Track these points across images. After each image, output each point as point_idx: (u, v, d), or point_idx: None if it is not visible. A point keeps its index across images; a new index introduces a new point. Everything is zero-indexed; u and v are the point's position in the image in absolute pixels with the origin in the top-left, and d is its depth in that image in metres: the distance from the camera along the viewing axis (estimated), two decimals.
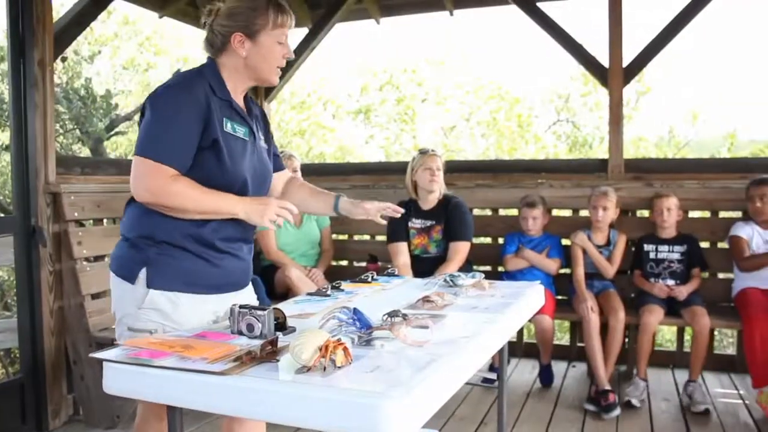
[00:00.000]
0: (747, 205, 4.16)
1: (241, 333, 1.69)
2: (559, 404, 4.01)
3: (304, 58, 5.54)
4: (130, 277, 1.98)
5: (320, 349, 1.37)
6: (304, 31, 5.56)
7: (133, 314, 1.98)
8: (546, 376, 4.34)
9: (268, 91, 5.54)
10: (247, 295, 2.20)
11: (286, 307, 2.00)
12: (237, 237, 2.07)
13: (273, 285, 4.26)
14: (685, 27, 4.62)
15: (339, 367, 1.38)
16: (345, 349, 1.41)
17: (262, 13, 2.00)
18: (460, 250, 4.08)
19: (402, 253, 4.16)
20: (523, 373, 4.63)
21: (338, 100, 13.47)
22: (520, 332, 4.99)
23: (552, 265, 4.33)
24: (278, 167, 2.36)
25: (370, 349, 1.54)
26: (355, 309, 1.65)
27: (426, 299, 2.03)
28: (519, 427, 3.65)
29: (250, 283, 2.24)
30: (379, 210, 2.38)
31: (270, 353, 1.49)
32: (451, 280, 2.38)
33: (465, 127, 12.62)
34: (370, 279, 2.54)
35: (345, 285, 2.41)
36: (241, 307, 1.71)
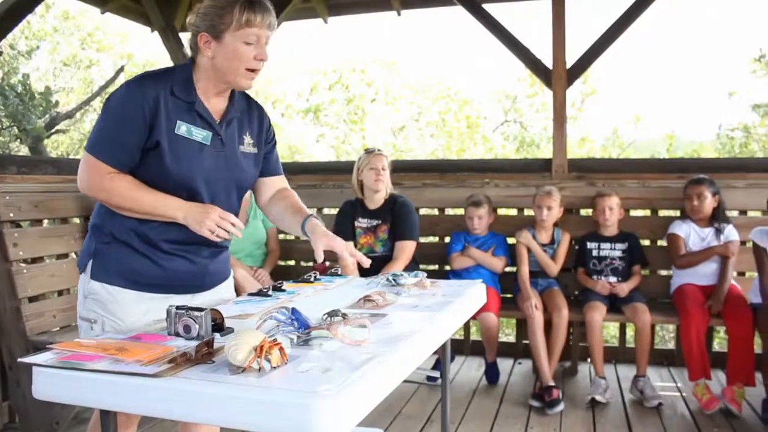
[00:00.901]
0: (684, 203, 4.26)
1: (177, 334, 1.67)
2: (505, 401, 4.05)
3: None
4: (82, 266, 2.04)
5: (255, 350, 1.36)
6: None
7: (81, 302, 2.03)
8: (492, 373, 4.39)
9: None
10: (210, 298, 2.17)
11: (226, 307, 1.98)
12: (189, 240, 2.01)
13: None
14: (627, 30, 4.72)
15: (275, 368, 1.37)
16: (281, 349, 1.39)
17: (228, 12, 1.92)
18: (406, 249, 4.08)
19: None
20: (470, 370, 4.66)
21: (287, 99, 13.39)
22: (467, 330, 5.03)
23: (497, 263, 4.37)
24: (271, 172, 2.29)
25: (309, 349, 1.53)
26: (293, 309, 1.64)
27: (367, 298, 2.03)
28: (465, 425, 3.67)
29: (223, 287, 2.24)
30: (348, 253, 2.09)
31: (206, 354, 1.47)
32: (394, 280, 2.38)
33: (414, 128, 12.68)
34: (312, 279, 2.53)
35: (287, 285, 2.39)
36: (177, 308, 1.68)
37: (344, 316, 1.65)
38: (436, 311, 1.92)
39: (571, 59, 4.73)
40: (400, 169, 4.92)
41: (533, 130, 12.75)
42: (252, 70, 1.99)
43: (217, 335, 1.63)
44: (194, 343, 1.53)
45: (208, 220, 1.90)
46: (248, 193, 4.62)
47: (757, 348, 3.89)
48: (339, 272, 2.72)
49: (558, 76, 4.73)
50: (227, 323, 1.75)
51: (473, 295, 2.28)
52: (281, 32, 5.54)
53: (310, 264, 5.00)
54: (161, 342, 1.62)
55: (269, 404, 1.24)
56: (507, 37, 4.88)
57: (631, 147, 12.99)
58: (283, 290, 2.30)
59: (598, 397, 3.93)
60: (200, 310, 1.65)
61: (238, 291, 3.98)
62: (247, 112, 2.16)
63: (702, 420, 3.72)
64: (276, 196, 2.30)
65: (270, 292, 2.23)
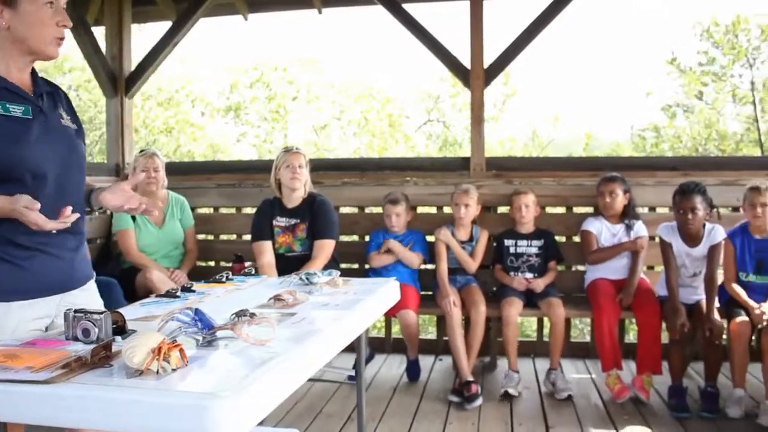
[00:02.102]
0: (598, 200, 4.38)
1: (76, 339, 1.60)
2: (425, 397, 4.08)
3: (167, 53, 5.34)
4: None
5: (153, 352, 1.32)
6: (167, 25, 5.37)
7: None
8: (413, 370, 4.42)
9: (129, 86, 5.32)
10: (86, 297, 2.00)
11: (132, 310, 1.92)
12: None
13: (134, 288, 4.08)
14: (543, 31, 4.82)
15: (174, 370, 1.34)
16: (181, 351, 1.36)
17: None
18: (325, 248, 4.06)
19: (266, 253, 4.10)
20: (391, 368, 4.68)
21: (208, 97, 13.13)
22: (389, 328, 5.05)
23: (415, 258, 4.40)
24: None
25: (213, 350, 1.50)
26: (197, 310, 1.60)
27: (277, 298, 2.00)
28: (385, 422, 3.68)
29: (92, 284, 2.07)
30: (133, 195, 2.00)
31: (103, 358, 1.42)
32: (307, 278, 2.36)
33: (337, 126, 12.65)
34: (224, 279, 2.49)
35: (198, 286, 2.34)
36: (75, 311, 1.62)
37: (252, 315, 1.62)
38: (345, 309, 1.91)
39: (489, 59, 4.80)
40: (320, 167, 4.90)
41: (456, 130, 12.90)
42: (60, 38, 1.86)
43: (118, 338, 1.58)
44: (92, 347, 1.48)
45: (15, 213, 1.71)
46: (165, 192, 4.55)
47: (664, 338, 4.05)
48: (252, 272, 2.68)
49: (476, 76, 4.80)
50: (130, 326, 1.70)
51: (386, 292, 2.29)
52: (199, 29, 5.44)
53: (229, 265, 4.92)
54: (57, 347, 1.56)
55: (165, 407, 1.20)
56: (426, 37, 4.91)
57: (550, 146, 13.33)
58: (193, 291, 2.24)
59: (510, 391, 4.01)
60: (100, 312, 1.60)
61: (155, 294, 3.90)
62: (52, 90, 1.99)
63: (614, 409, 3.85)
64: None
65: (179, 293, 2.18)
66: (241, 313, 1.65)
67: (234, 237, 5.14)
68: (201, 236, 4.87)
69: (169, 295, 2.17)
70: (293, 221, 4.16)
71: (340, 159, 8.95)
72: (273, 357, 1.40)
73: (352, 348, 2.54)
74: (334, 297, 2.14)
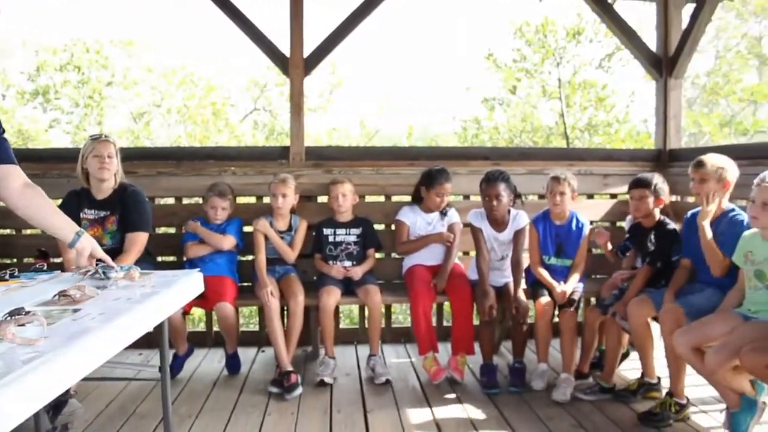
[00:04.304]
0: (417, 190, 4.46)
1: None
2: (245, 390, 4.02)
3: None
4: None
5: None
6: None
7: None
8: (232, 363, 4.34)
9: None
10: None
11: None
12: None
13: None
14: (364, 21, 4.88)
15: None
16: None
17: None
18: (137, 241, 3.87)
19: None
20: (212, 362, 4.57)
21: (10, 78, 12.02)
22: (210, 322, 4.92)
23: (223, 240, 4.29)
24: (6, 160, 2.06)
25: None
26: None
27: (63, 294, 1.87)
28: (202, 417, 3.59)
29: None
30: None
31: None
32: (103, 273, 2.23)
33: (157, 114, 12.08)
34: (7, 276, 2.29)
35: None
36: None
37: (27, 314, 1.49)
38: (136, 303, 1.82)
39: (310, 48, 4.79)
40: (134, 156, 4.68)
41: (283, 119, 12.79)
42: None
43: None
44: None
45: None
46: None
47: (476, 320, 4.25)
48: (44, 268, 2.49)
49: (295, 65, 4.77)
50: None
51: (187, 284, 2.21)
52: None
53: (32, 261, 4.56)
54: None
55: None
56: (245, 23, 4.82)
57: (376, 136, 13.59)
58: None
59: (326, 379, 4.05)
60: None
61: None
62: None
63: (430, 390, 4.01)
64: (32, 191, 2.19)
65: None
66: (15, 312, 1.52)
67: (39, 231, 4.76)
68: (1, 231, 4.47)
69: None
70: (102, 213, 3.93)
71: (154, 148, 8.58)
72: (35, 357, 1.29)
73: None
74: (129, 291, 2.03)
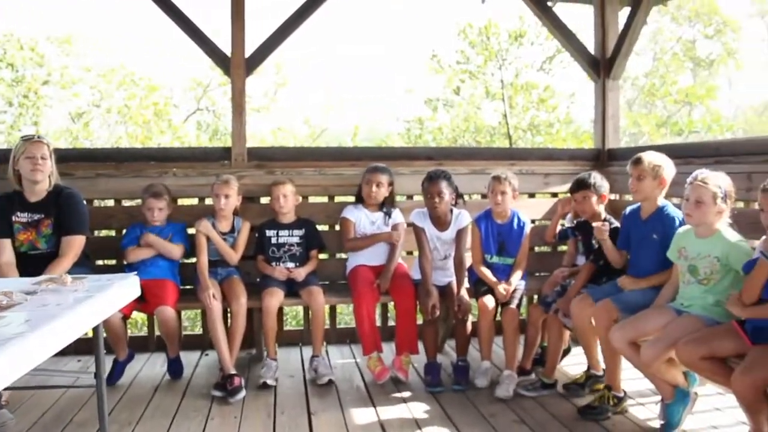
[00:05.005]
0: (362, 189, 4.46)
1: None
2: (188, 395, 3.96)
3: None
4: None
5: None
6: None
7: None
8: (175, 368, 4.27)
9: None
10: None
11: None
12: None
13: None
14: (306, 21, 4.86)
15: None
16: None
17: None
18: (74, 244, 3.78)
19: (5, 251, 3.73)
20: (154, 367, 4.49)
21: None
22: (151, 326, 4.83)
23: (175, 249, 4.24)
24: None
25: None
26: None
27: None
28: (143, 424, 3.52)
29: None
30: None
31: None
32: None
33: (97, 114, 11.76)
34: None
35: None
36: None
37: None
38: (66, 309, 1.78)
39: (251, 48, 4.75)
40: (72, 158, 4.60)
41: (227, 120, 12.63)
42: None
43: None
44: None
45: None
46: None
47: (420, 320, 4.27)
48: None
49: (237, 65, 4.72)
50: None
51: (122, 288, 2.16)
52: None
53: None
54: None
55: None
56: (187, 24, 4.76)
57: (323, 136, 13.54)
58: None
59: (268, 381, 4.03)
60: None
61: None
62: None
63: (375, 390, 4.02)
64: None
65: None
66: None
67: None
68: None
69: None
70: (36, 216, 3.82)
71: (93, 149, 8.35)
72: None
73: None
74: (60, 296, 1.98)
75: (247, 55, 4.73)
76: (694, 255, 3.20)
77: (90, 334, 2.25)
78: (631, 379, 3.71)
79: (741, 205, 3.62)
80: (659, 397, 3.39)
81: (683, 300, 3.26)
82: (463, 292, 4.11)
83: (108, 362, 4.07)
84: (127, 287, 2.22)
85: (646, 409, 3.64)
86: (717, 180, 3.12)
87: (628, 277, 3.61)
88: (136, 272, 2.46)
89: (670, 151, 3.86)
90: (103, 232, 4.86)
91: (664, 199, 3.62)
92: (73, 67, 12.04)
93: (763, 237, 3.00)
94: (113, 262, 4.59)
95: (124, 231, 4.46)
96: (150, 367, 4.50)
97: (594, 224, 3.76)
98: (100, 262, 4.62)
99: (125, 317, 4.05)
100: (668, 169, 3.56)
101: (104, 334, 3.87)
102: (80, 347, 4.52)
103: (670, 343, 3.04)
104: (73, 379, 3.85)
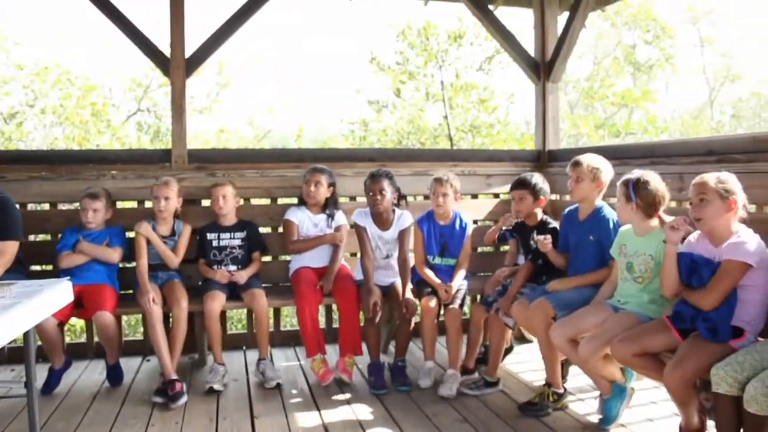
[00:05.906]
0: (303, 190, 4.45)
1: None
2: (128, 402, 3.88)
3: None
4: None
5: None
6: None
7: None
8: (114, 375, 4.18)
9: None
10: None
11: None
12: None
13: None
14: (248, 22, 4.82)
15: None
16: None
17: None
18: (6, 250, 3.65)
19: None
20: (93, 374, 4.39)
21: None
22: (90, 332, 4.71)
23: (112, 254, 4.15)
24: None
25: None
26: None
27: None
28: None
29: None
30: None
31: None
32: None
33: (31, 114, 11.33)
34: None
35: None
36: None
37: None
38: None
39: (192, 49, 4.68)
40: (3, 160, 4.45)
41: (169, 121, 12.37)
42: None
43: None
44: None
45: None
46: None
47: (363, 321, 4.28)
48: None
49: (176, 66, 4.66)
50: None
51: (54, 294, 2.11)
52: None
53: None
54: None
55: None
56: (123, 22, 4.66)
57: (266, 138, 13.41)
58: None
59: (216, 386, 3.98)
60: None
61: None
62: None
63: (319, 392, 4.01)
64: None
65: None
66: None
67: None
68: None
69: None
70: None
71: (26, 151, 8.05)
72: None
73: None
74: None
75: (187, 55, 4.66)
76: (632, 253, 3.29)
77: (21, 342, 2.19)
78: (571, 375, 3.78)
79: (673, 204, 3.74)
80: (598, 393, 3.47)
81: (620, 297, 3.35)
82: (409, 294, 4.13)
83: (44, 370, 3.96)
84: (59, 293, 2.16)
85: (585, 404, 3.72)
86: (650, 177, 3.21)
87: (556, 280, 3.69)
88: (69, 277, 2.38)
89: (607, 152, 3.96)
90: (39, 237, 4.72)
91: (601, 200, 3.71)
92: (3, 65, 11.57)
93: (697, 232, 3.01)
94: (50, 267, 4.45)
95: (59, 235, 4.34)
96: (89, 374, 4.39)
97: (536, 238, 3.80)
98: (37, 268, 4.50)
99: (61, 323, 3.93)
100: (606, 172, 3.65)
101: (38, 342, 3.81)
102: (14, 356, 4.42)
103: (607, 340, 3.12)
104: (6, 390, 3.72)
